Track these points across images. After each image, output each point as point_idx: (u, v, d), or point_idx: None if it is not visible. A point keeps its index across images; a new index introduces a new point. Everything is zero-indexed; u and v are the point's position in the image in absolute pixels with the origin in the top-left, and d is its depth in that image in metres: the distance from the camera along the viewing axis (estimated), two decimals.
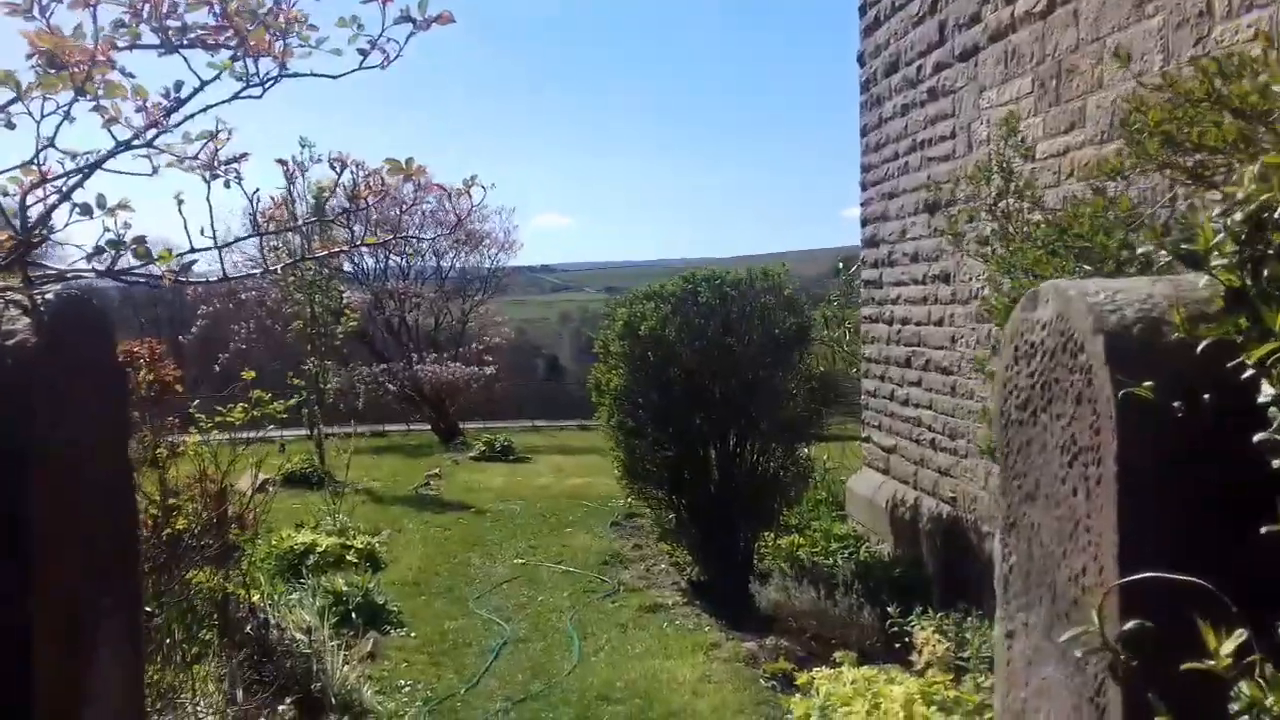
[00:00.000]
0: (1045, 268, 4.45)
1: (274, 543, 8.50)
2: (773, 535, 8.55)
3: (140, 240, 2.21)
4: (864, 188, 9.03)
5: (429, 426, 25.32)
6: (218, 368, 23.69)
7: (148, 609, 5.43)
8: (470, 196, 2.72)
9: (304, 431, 16.13)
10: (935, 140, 7.38)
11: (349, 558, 8.47)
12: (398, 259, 25.58)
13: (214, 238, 2.38)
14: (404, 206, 23.29)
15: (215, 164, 2.34)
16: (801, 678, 5.12)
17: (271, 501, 12.17)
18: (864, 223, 9.03)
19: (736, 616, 7.07)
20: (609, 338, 8.23)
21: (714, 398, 7.86)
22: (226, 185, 2.44)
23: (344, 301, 23.06)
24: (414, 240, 23.43)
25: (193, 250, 2.37)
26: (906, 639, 6.10)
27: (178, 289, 2.51)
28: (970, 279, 6.84)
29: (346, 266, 25.35)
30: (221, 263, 2.57)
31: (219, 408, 6.10)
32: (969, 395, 6.92)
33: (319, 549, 8.38)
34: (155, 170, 2.27)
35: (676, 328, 7.78)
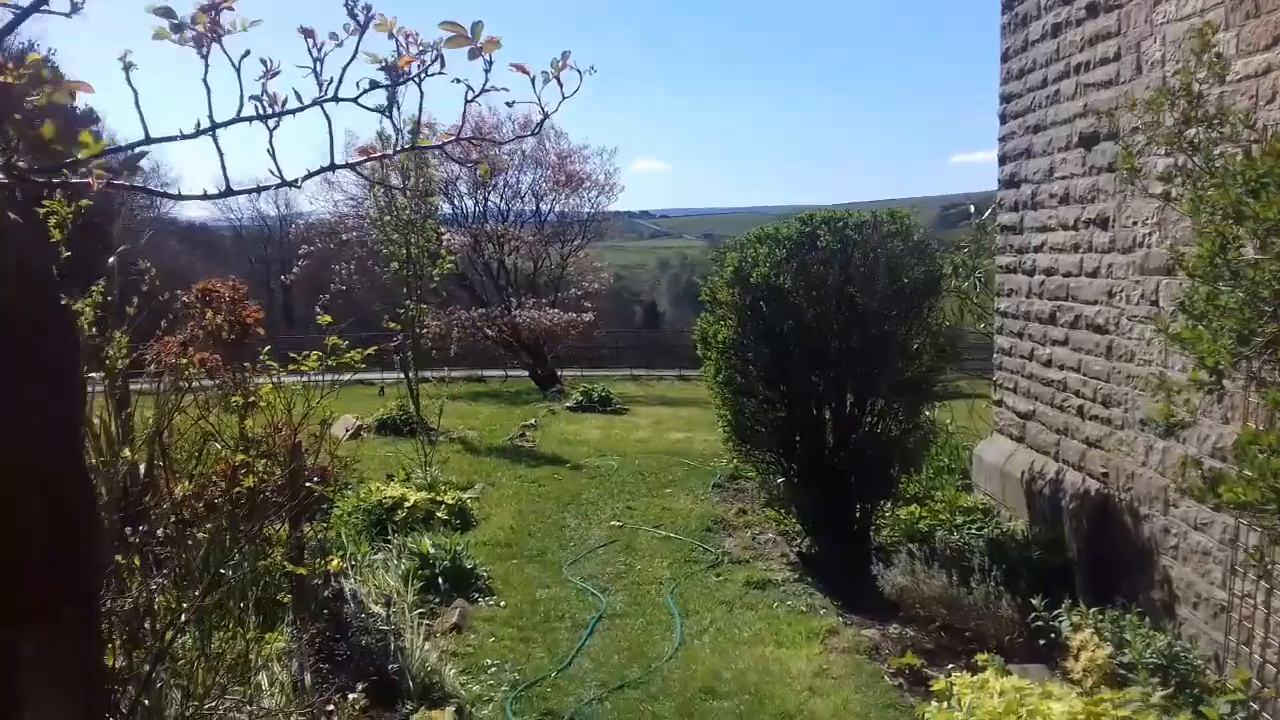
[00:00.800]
0: (1264, 208, 3.61)
1: (362, 496, 8.14)
2: (891, 505, 7.83)
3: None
4: (1003, 120, 8.07)
5: (527, 373, 25.07)
6: (319, 309, 23.89)
7: (221, 571, 5.03)
8: (561, 84, 2.06)
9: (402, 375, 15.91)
10: (1095, 63, 6.42)
11: (439, 514, 8.05)
12: (497, 200, 25.19)
13: (210, 125, 1.77)
14: (498, 136, 22.72)
15: (214, 26, 1.72)
16: (938, 683, 4.44)
17: (360, 449, 11.92)
18: (1002, 160, 8.09)
19: (853, 596, 6.39)
20: (717, 285, 7.53)
21: (831, 353, 7.11)
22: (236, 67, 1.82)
23: (441, 243, 22.86)
24: (492, 149, 22.94)
25: (147, 141, 1.76)
26: (1052, 635, 5.37)
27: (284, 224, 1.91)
28: (1135, 223, 5.93)
29: (445, 207, 25.13)
30: (225, 174, 1.96)
31: (293, 355, 5.63)
32: (1128, 358, 6.04)
33: (408, 504, 7.98)
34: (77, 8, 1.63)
35: (793, 275, 7.04)
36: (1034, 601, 5.35)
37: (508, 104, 2.21)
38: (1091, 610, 5.29)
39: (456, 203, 25.26)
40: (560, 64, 2.00)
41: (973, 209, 10.01)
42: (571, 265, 25.79)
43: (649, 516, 8.62)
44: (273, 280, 45.86)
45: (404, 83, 1.88)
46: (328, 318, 5.76)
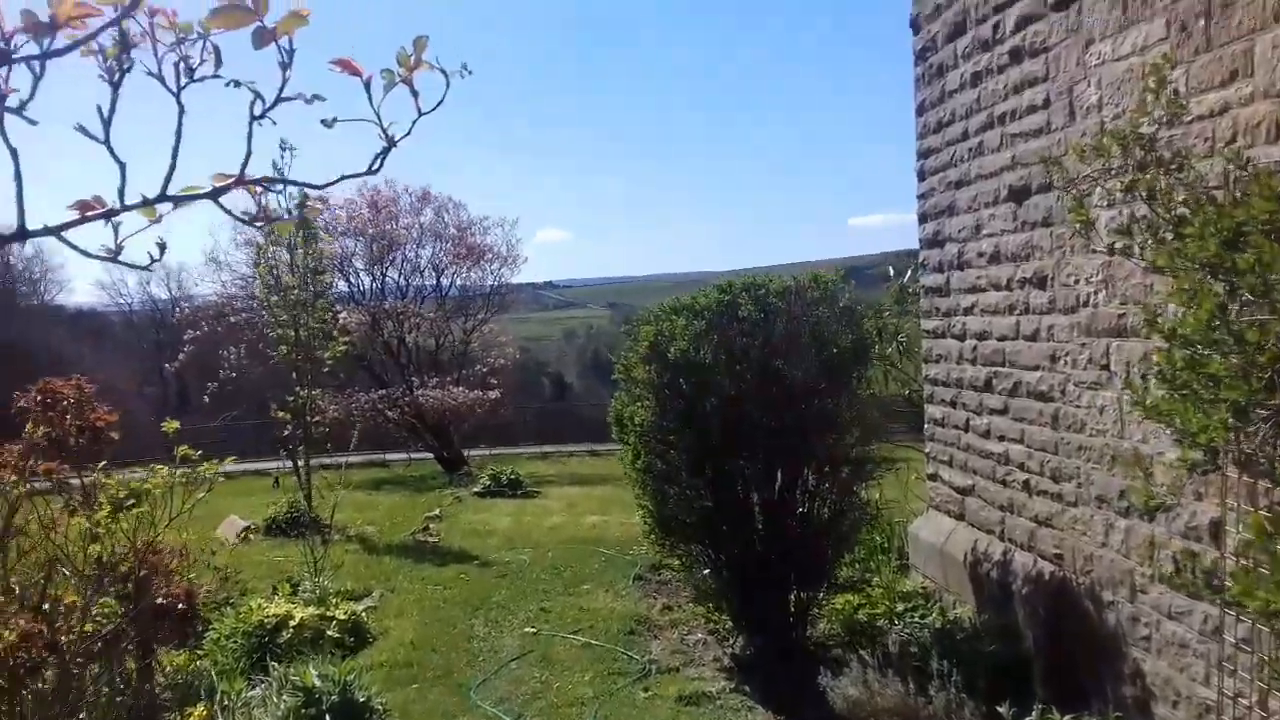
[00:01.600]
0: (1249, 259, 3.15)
1: (242, 615, 7.18)
2: (827, 593, 7.21)
3: None
4: (922, 176, 7.70)
5: (432, 455, 24.02)
6: (207, 398, 22.53)
7: None
8: (414, 93, 1.42)
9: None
10: (1022, 112, 6.06)
11: (330, 632, 7.13)
12: (395, 276, 24.33)
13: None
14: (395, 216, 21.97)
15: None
16: None
17: (246, 555, 10.86)
18: (923, 218, 7.70)
19: (798, 708, 5.71)
20: (631, 361, 6.90)
21: (759, 433, 6.52)
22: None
23: (335, 323, 21.85)
24: (389, 223, 22.06)
25: None
26: None
27: None
28: (1077, 281, 5.51)
29: (340, 285, 24.15)
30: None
31: (122, 474, 4.81)
32: (1078, 428, 5.57)
33: (293, 623, 7.05)
34: None
35: (713, 349, 6.45)
36: (1000, 710, 4.74)
37: (325, 123, 1.55)
38: (1067, 718, 4.70)
39: (353, 280, 24.33)
40: (412, 60, 1.34)
41: (891, 270, 9.65)
42: (475, 340, 24.99)
43: (566, 619, 7.82)
44: (166, 365, 43.91)
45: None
46: (174, 424, 4.93)
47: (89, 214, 1.42)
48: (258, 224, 1.51)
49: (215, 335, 21.79)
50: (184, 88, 1.40)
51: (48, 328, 56.65)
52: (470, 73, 1.47)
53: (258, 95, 1.43)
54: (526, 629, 7.62)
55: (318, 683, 5.69)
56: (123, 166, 1.45)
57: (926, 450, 7.88)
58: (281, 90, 1.40)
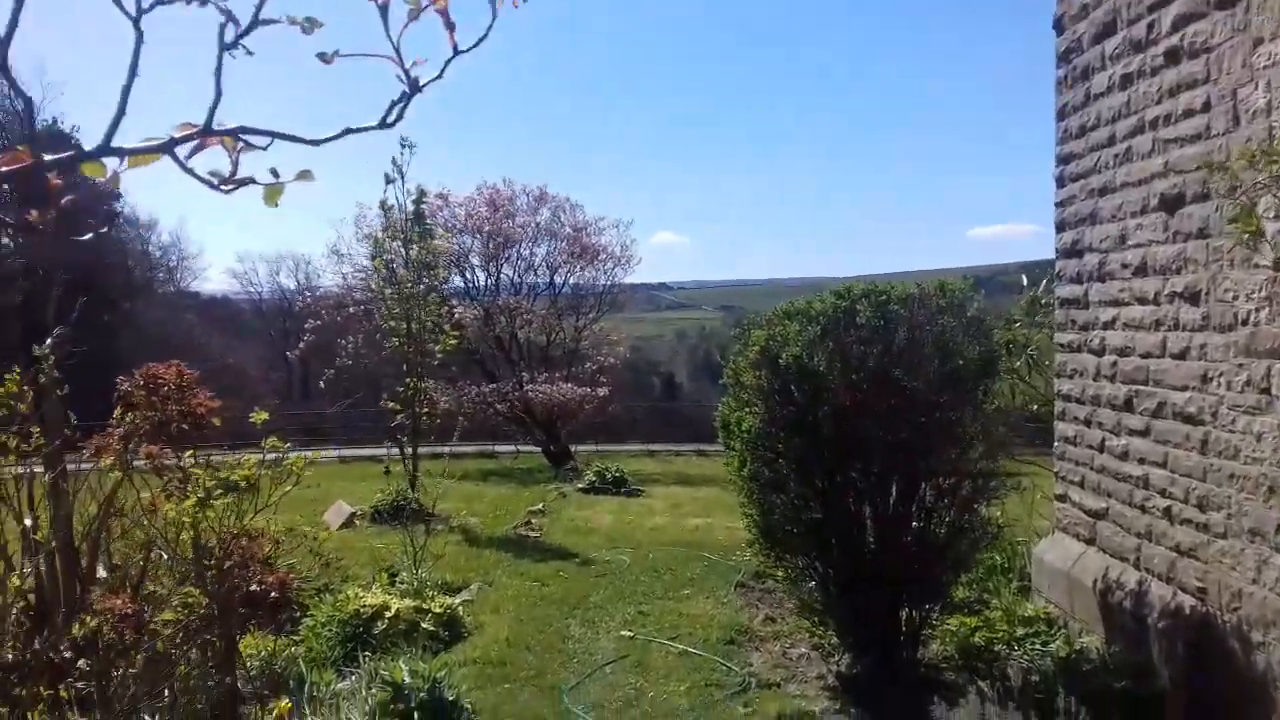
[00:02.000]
0: None
1: (339, 603, 7.19)
2: (940, 613, 6.83)
3: None
4: (1061, 183, 7.23)
5: (539, 449, 24.16)
6: (323, 384, 23.12)
7: None
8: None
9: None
10: (1177, 116, 5.58)
11: (424, 625, 7.09)
12: (510, 273, 24.55)
13: None
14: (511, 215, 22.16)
15: None
16: None
17: (351, 541, 10.99)
18: (1060, 226, 7.23)
19: None
20: (740, 366, 6.65)
21: (874, 445, 6.19)
22: None
23: (447, 317, 22.14)
24: (505, 220, 22.01)
25: None
26: None
27: None
28: (1236, 298, 5.03)
29: (456, 280, 24.49)
30: None
31: (224, 459, 4.80)
32: (1231, 454, 5.09)
33: (389, 614, 7.03)
34: None
35: (828, 356, 6.15)
36: None
37: (322, 57, 1.32)
38: None
39: (469, 275, 24.66)
40: None
41: (1025, 279, 9.14)
42: (586, 338, 25.02)
43: (664, 624, 7.62)
44: (288, 353, 45.27)
45: None
46: (264, 415, 4.89)
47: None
48: (225, 188, 1.29)
49: (334, 325, 22.32)
50: (146, 10, 1.18)
51: (182, 313, 59.41)
52: None
53: (230, 17, 1.18)
54: (623, 632, 7.44)
55: (407, 679, 5.62)
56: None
57: (1055, 470, 7.40)
58: (259, 11, 1.15)
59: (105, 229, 51.25)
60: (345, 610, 7.08)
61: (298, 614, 7.53)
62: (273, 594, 5.86)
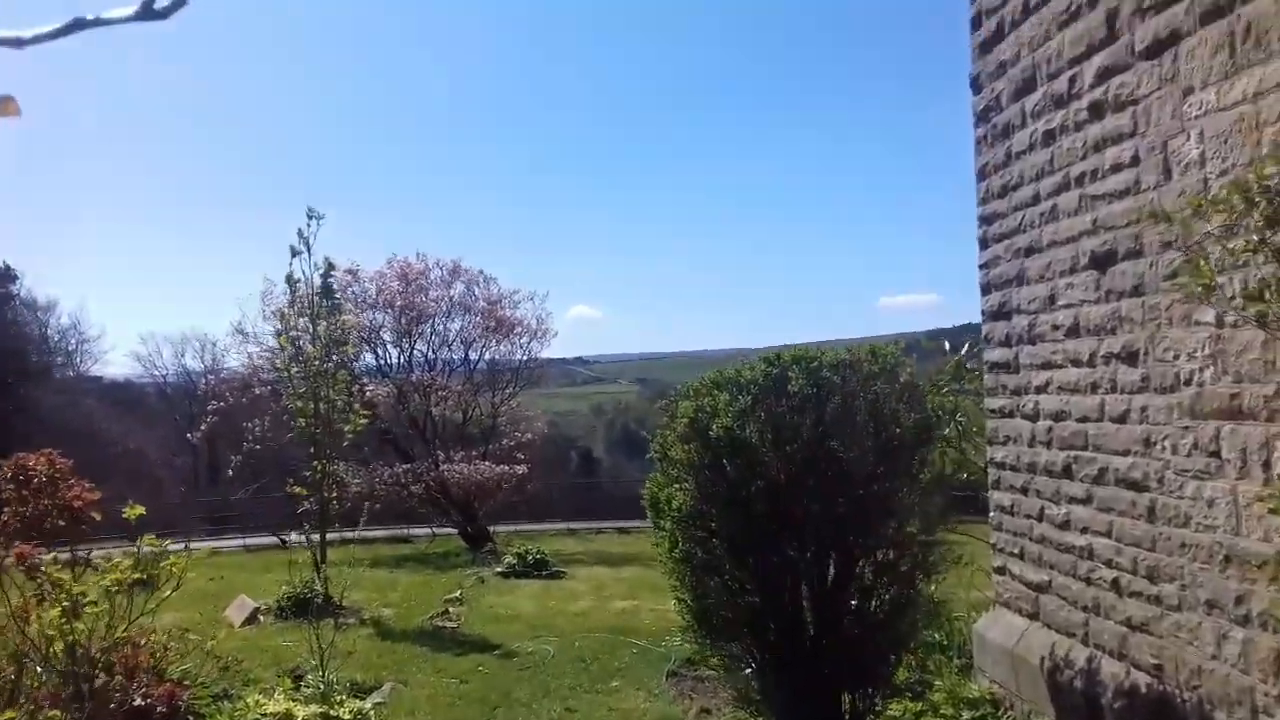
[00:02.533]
0: None
1: (235, 713, 6.53)
2: (884, 698, 6.48)
3: None
4: (984, 244, 7.14)
5: (456, 531, 23.37)
6: (230, 471, 22.08)
7: None
8: None
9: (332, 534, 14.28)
10: (1104, 171, 5.50)
11: None
12: (424, 349, 23.95)
13: None
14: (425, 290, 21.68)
15: None
16: None
17: (253, 639, 10.22)
18: (986, 289, 7.12)
19: None
20: (668, 439, 6.31)
21: (809, 520, 5.88)
22: None
23: (358, 395, 21.40)
24: (418, 294, 21.29)
25: None
26: None
27: None
28: (1177, 357, 4.88)
29: (368, 358, 23.80)
30: None
31: (106, 557, 4.26)
32: (1181, 522, 4.90)
33: None
34: None
35: (759, 427, 5.85)
36: None
37: None
38: None
39: (381, 353, 23.98)
40: None
41: (947, 344, 9.04)
42: (504, 414, 24.44)
43: None
44: (188, 435, 43.39)
45: None
46: (139, 509, 4.37)
47: None
48: None
49: (241, 407, 21.44)
50: None
51: (82, 398, 56.96)
52: None
53: None
54: None
55: None
56: None
57: (992, 540, 7.18)
58: None
59: None
60: None
61: None
62: (159, 708, 5.26)
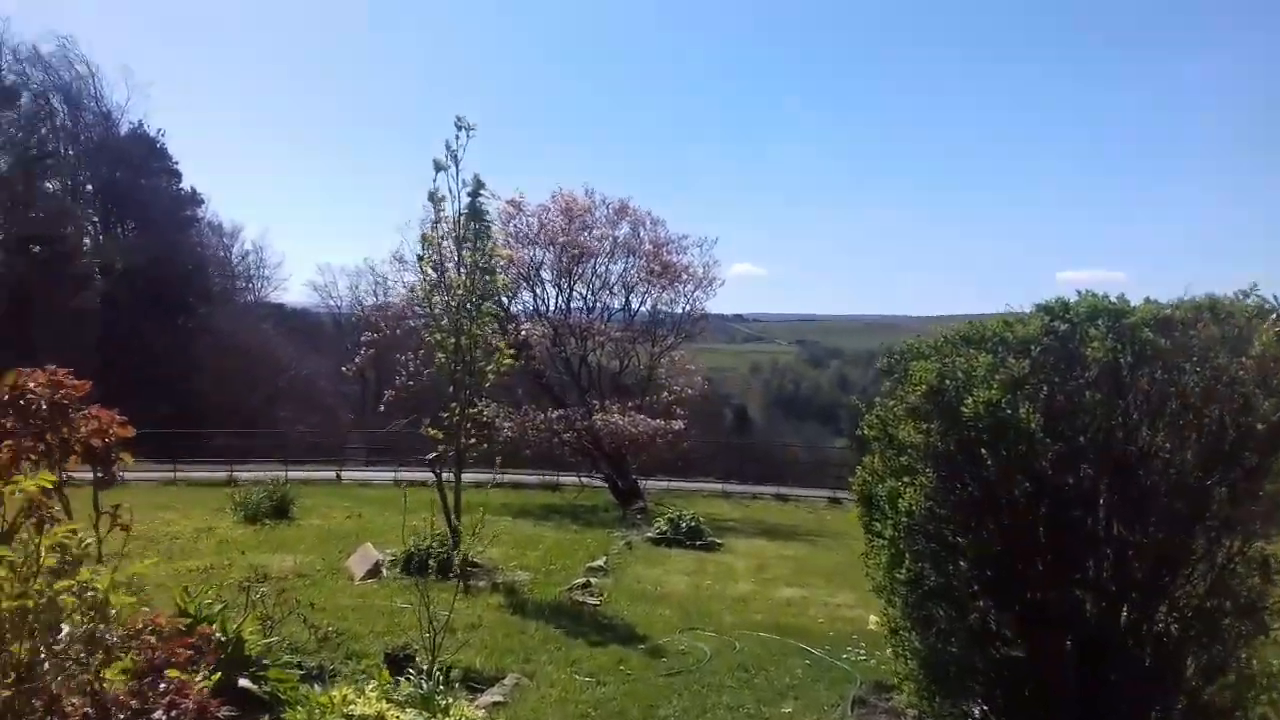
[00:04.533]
0: None
1: (315, 710, 5.23)
2: None
3: None
4: None
5: (606, 484, 22.17)
6: (383, 407, 21.47)
7: None
8: None
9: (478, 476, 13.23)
10: None
11: None
12: (583, 290, 22.63)
13: None
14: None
15: None
16: None
17: (370, 597, 9.06)
18: None
19: None
20: (893, 414, 4.57)
21: (1108, 546, 4.05)
22: None
23: (511, 332, 20.30)
24: (581, 233, 19.76)
25: None
26: None
27: None
28: None
29: (526, 296, 22.73)
30: None
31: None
32: None
33: None
34: None
35: (1042, 405, 4.04)
36: None
37: None
38: None
39: (539, 291, 22.82)
40: None
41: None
42: (662, 366, 22.93)
43: None
44: (366, 370, 43.68)
45: None
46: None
47: None
48: None
49: (396, 338, 20.70)
50: None
51: (259, 322, 59.04)
52: None
53: None
54: None
55: None
56: None
57: None
58: None
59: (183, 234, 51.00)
60: None
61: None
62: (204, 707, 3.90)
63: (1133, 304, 4.33)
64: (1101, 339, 4.03)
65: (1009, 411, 4.05)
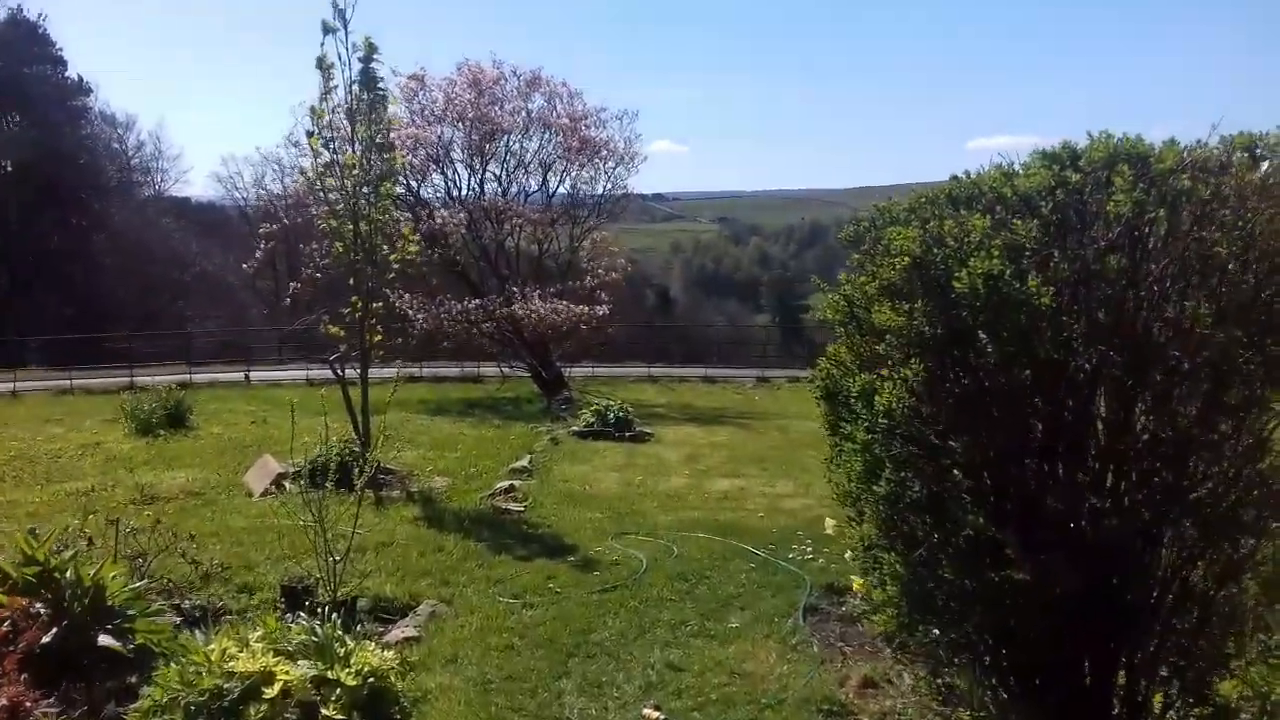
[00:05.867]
0: None
1: (186, 669, 4.40)
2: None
3: None
4: None
5: (529, 374, 21.34)
6: (288, 300, 20.14)
7: None
8: None
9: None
10: None
11: (329, 711, 4.32)
12: (497, 170, 21.29)
13: None
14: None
15: None
16: None
17: (267, 516, 8.18)
18: None
19: None
20: (863, 293, 3.77)
21: (1131, 444, 3.35)
22: None
23: (423, 218, 19.00)
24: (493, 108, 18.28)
25: None
26: None
27: None
28: None
29: (436, 179, 21.34)
30: None
31: None
32: None
33: (270, 692, 4.25)
34: None
35: (1053, 274, 3.26)
36: None
37: None
38: None
39: (450, 174, 21.43)
40: None
41: None
42: (583, 249, 21.89)
43: (706, 695, 4.85)
44: (278, 262, 41.31)
45: None
46: None
47: None
48: None
49: (297, 227, 19.26)
50: None
51: (160, 217, 55.93)
52: None
53: None
54: (646, 711, 4.68)
55: None
56: None
57: None
58: None
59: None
60: (200, 684, 4.30)
61: (132, 682, 4.77)
62: None
63: (1161, 148, 3.53)
64: (1128, 190, 3.23)
65: (1014, 284, 3.26)
